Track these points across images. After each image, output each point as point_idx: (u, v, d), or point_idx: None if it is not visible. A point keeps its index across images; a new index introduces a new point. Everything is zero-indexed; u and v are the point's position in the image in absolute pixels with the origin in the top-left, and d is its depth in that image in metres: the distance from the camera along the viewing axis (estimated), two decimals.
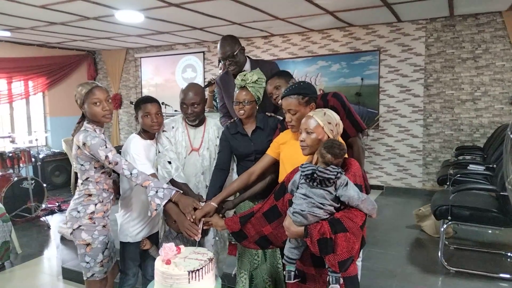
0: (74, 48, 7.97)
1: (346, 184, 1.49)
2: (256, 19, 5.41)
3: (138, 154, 2.21)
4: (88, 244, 2.14)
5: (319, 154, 1.57)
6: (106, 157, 2.00)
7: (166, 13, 4.94)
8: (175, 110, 5.67)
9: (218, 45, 2.70)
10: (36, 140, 5.78)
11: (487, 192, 3.65)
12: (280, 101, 2.22)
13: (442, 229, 3.47)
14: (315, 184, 1.51)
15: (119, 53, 8.19)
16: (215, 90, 4.34)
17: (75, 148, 2.10)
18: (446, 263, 3.39)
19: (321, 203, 1.49)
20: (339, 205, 1.52)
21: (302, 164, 1.57)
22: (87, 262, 2.16)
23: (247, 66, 2.73)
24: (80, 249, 2.17)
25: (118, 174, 2.33)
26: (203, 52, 7.41)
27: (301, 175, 1.56)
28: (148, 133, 2.33)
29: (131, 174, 2.00)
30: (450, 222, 3.37)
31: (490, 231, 4.14)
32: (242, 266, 2.33)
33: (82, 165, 2.12)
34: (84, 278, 2.22)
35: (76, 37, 6.64)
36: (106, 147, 2.02)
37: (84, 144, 2.02)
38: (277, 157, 2.10)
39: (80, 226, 2.13)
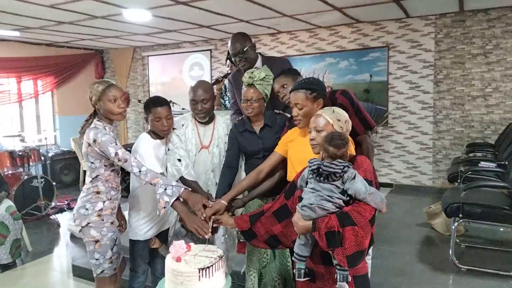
0: (82, 47, 8.02)
1: (354, 177, 1.48)
2: (264, 16, 5.39)
3: (147, 153, 2.20)
4: (97, 241, 2.15)
5: (322, 149, 1.56)
6: (116, 154, 2.00)
7: (174, 11, 4.93)
8: (183, 108, 5.68)
9: (229, 42, 2.69)
10: (45, 138, 5.83)
11: (499, 189, 3.60)
12: (287, 99, 2.22)
13: (453, 227, 3.43)
14: (322, 178, 1.51)
15: (127, 52, 8.23)
16: (222, 88, 4.35)
17: (85, 145, 2.10)
18: (457, 261, 3.35)
19: (329, 196, 1.48)
20: (348, 199, 1.51)
21: (310, 160, 1.57)
22: (97, 259, 2.17)
23: (259, 63, 2.72)
24: (89, 246, 2.18)
25: (128, 174, 2.34)
26: (210, 50, 7.41)
27: (308, 170, 1.55)
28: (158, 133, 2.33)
29: (140, 171, 2.00)
30: (461, 220, 3.34)
31: (502, 229, 4.09)
32: (251, 264, 2.33)
33: (92, 162, 2.12)
34: (94, 275, 2.24)
35: (84, 36, 6.67)
36: (116, 144, 2.03)
37: (94, 141, 2.03)
38: (285, 154, 2.09)
39: (88, 223, 2.14)
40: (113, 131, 2.19)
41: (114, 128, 2.23)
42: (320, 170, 1.49)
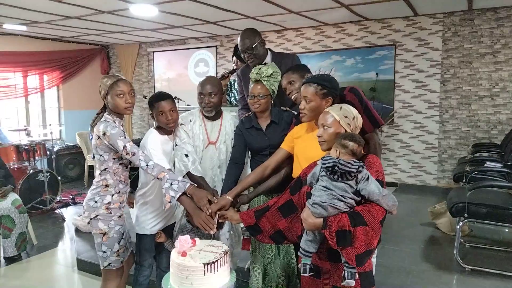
0: (88, 42, 8.04)
1: (367, 179, 1.47)
2: (270, 12, 5.37)
3: (155, 149, 2.21)
4: (104, 234, 2.18)
5: (339, 146, 1.55)
6: (124, 147, 2.03)
7: (180, 6, 4.93)
8: (188, 105, 5.68)
9: (239, 38, 2.69)
10: (51, 133, 5.85)
11: (505, 189, 3.58)
12: (293, 96, 2.21)
13: (458, 227, 3.41)
14: (335, 177, 1.50)
15: (132, 48, 8.24)
16: (228, 84, 4.35)
17: (95, 138, 2.13)
18: (461, 261, 3.34)
19: (342, 196, 1.48)
20: (359, 199, 1.50)
21: (323, 157, 1.56)
22: (104, 251, 2.20)
23: (268, 58, 2.72)
24: (96, 238, 2.21)
25: (133, 169, 2.36)
26: (216, 46, 7.40)
27: (321, 167, 1.54)
28: (165, 129, 2.33)
29: (147, 165, 2.01)
30: (466, 220, 3.32)
31: (506, 230, 4.07)
32: (256, 261, 2.33)
33: (101, 155, 2.15)
34: (101, 268, 2.26)
35: (90, 31, 6.69)
36: (125, 138, 2.06)
37: (104, 133, 2.05)
38: (291, 151, 2.09)
39: (97, 215, 2.17)
40: (123, 125, 2.21)
41: None
42: (336, 168, 1.48)
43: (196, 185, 2.08)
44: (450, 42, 5.58)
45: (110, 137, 2.04)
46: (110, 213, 2.18)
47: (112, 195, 2.19)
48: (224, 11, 5.23)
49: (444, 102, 5.70)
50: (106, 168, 2.17)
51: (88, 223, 2.21)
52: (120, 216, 2.23)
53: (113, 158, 2.16)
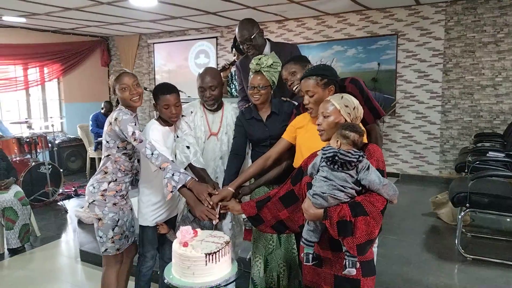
0: (88, 34, 8.00)
1: (368, 168, 1.46)
2: (271, 2, 5.32)
3: (157, 140, 2.20)
4: (99, 219, 2.25)
5: (340, 136, 1.54)
6: (133, 133, 2.07)
7: None
8: (188, 96, 5.65)
9: (236, 29, 2.66)
10: (52, 125, 5.85)
11: (507, 179, 3.57)
12: (295, 87, 2.20)
13: (459, 216, 3.42)
14: (336, 167, 1.49)
15: (132, 39, 8.19)
16: (228, 75, 4.32)
17: (107, 124, 2.20)
18: (463, 251, 3.35)
19: (342, 186, 1.47)
20: (360, 189, 1.50)
21: (324, 147, 1.55)
22: (100, 237, 2.28)
23: (267, 49, 2.69)
24: (95, 223, 2.30)
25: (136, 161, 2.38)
26: (216, 37, 7.35)
27: (322, 157, 1.53)
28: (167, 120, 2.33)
29: (152, 154, 2.04)
30: (468, 210, 3.32)
31: (508, 219, 4.07)
32: (257, 251, 2.34)
33: (107, 141, 2.21)
34: (101, 253, 2.35)
35: (90, 22, 6.65)
36: (135, 125, 2.12)
37: (116, 119, 2.11)
38: (293, 141, 2.07)
39: (93, 201, 2.25)
40: (135, 117, 2.27)
41: None
42: (336, 158, 1.47)
43: (197, 179, 2.08)
44: (452, 31, 5.53)
45: (121, 122, 2.09)
46: (105, 200, 2.25)
47: (109, 183, 2.25)
48: (224, 1, 5.18)
49: (446, 92, 5.67)
50: (109, 155, 2.23)
51: (88, 206, 2.29)
52: (115, 204, 2.28)
53: (118, 147, 2.21)
